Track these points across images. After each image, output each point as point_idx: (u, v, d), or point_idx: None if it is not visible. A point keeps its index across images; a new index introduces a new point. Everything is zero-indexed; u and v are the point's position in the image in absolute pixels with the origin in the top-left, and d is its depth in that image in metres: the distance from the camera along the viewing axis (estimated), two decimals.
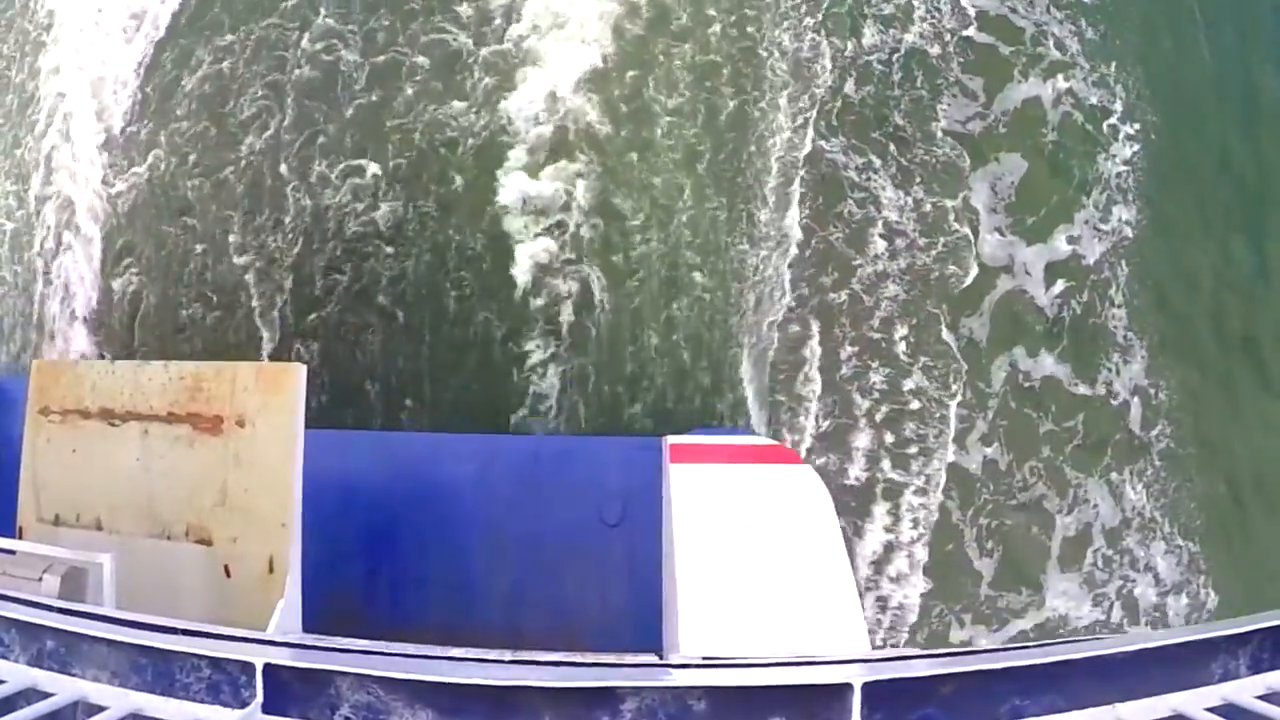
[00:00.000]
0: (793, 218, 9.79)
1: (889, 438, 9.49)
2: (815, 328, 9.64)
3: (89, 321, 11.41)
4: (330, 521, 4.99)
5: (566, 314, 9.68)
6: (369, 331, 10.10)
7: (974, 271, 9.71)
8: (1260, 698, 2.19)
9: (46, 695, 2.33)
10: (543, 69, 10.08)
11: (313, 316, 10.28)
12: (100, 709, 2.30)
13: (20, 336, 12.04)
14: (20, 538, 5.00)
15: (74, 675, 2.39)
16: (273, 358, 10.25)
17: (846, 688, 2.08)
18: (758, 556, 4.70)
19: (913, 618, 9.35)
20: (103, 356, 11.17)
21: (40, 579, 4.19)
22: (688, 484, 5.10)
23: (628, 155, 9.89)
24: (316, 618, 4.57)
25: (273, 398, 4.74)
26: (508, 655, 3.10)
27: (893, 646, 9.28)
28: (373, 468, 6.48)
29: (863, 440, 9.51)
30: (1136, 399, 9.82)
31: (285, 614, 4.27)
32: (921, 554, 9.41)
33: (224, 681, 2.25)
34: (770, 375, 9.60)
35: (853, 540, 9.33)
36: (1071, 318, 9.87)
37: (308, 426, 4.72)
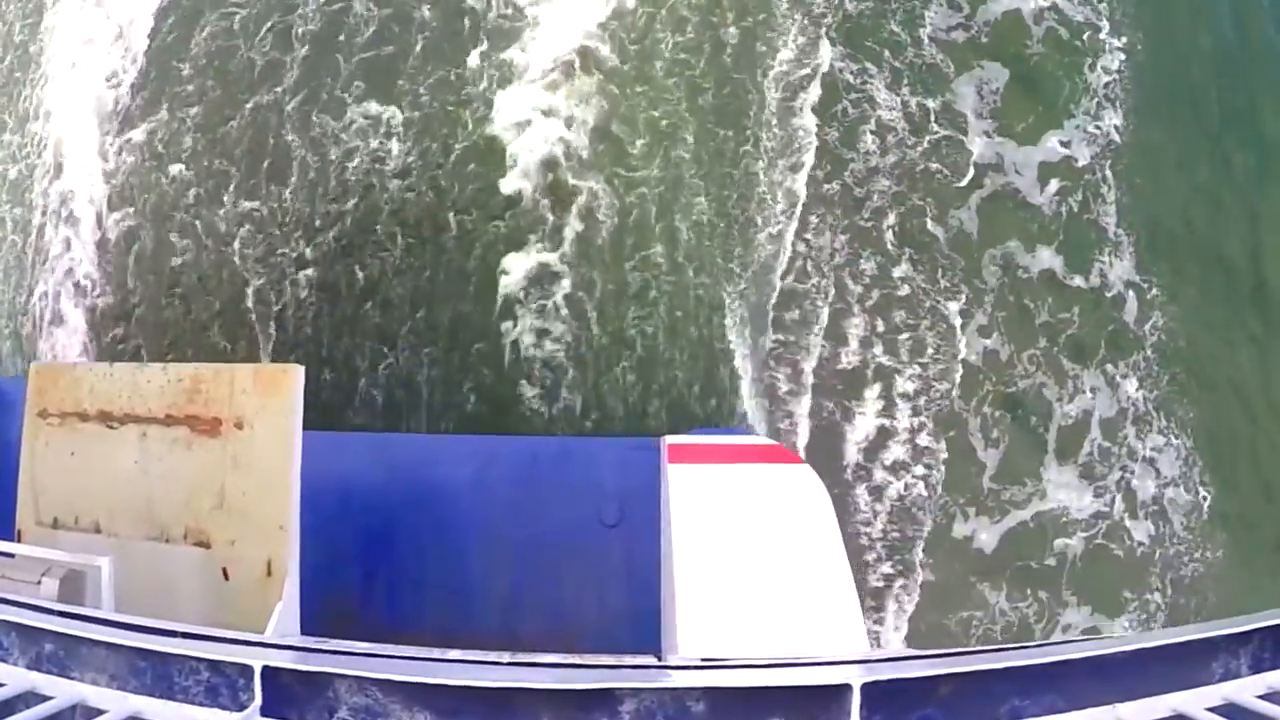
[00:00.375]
0: (800, 127, 10.07)
1: (880, 326, 9.86)
2: (827, 234, 9.97)
3: (88, 253, 11.58)
4: (328, 524, 4.98)
5: (572, 224, 9.88)
6: (369, 256, 10.28)
7: (970, 173, 10.06)
8: (1261, 697, 2.19)
9: (45, 698, 2.32)
10: (554, 19, 10.32)
11: (310, 250, 10.43)
12: (99, 712, 2.30)
13: (15, 278, 12.27)
14: (19, 541, 4.99)
15: (73, 678, 2.39)
16: (277, 307, 10.45)
17: (845, 688, 2.08)
18: (756, 557, 4.70)
19: (922, 517, 9.60)
20: (100, 293, 11.31)
21: (39, 582, 4.18)
22: (686, 484, 5.10)
23: (635, 87, 10.17)
24: (314, 620, 4.56)
25: (271, 400, 4.73)
26: (506, 657, 3.10)
27: (898, 536, 9.50)
28: (370, 469, 6.48)
29: (865, 333, 9.86)
30: (1131, 293, 10.14)
31: (283, 616, 4.26)
32: (924, 441, 9.67)
33: (222, 684, 2.25)
34: (779, 282, 9.89)
35: (841, 425, 9.68)
36: (1067, 214, 10.16)
37: (306, 427, 4.72)
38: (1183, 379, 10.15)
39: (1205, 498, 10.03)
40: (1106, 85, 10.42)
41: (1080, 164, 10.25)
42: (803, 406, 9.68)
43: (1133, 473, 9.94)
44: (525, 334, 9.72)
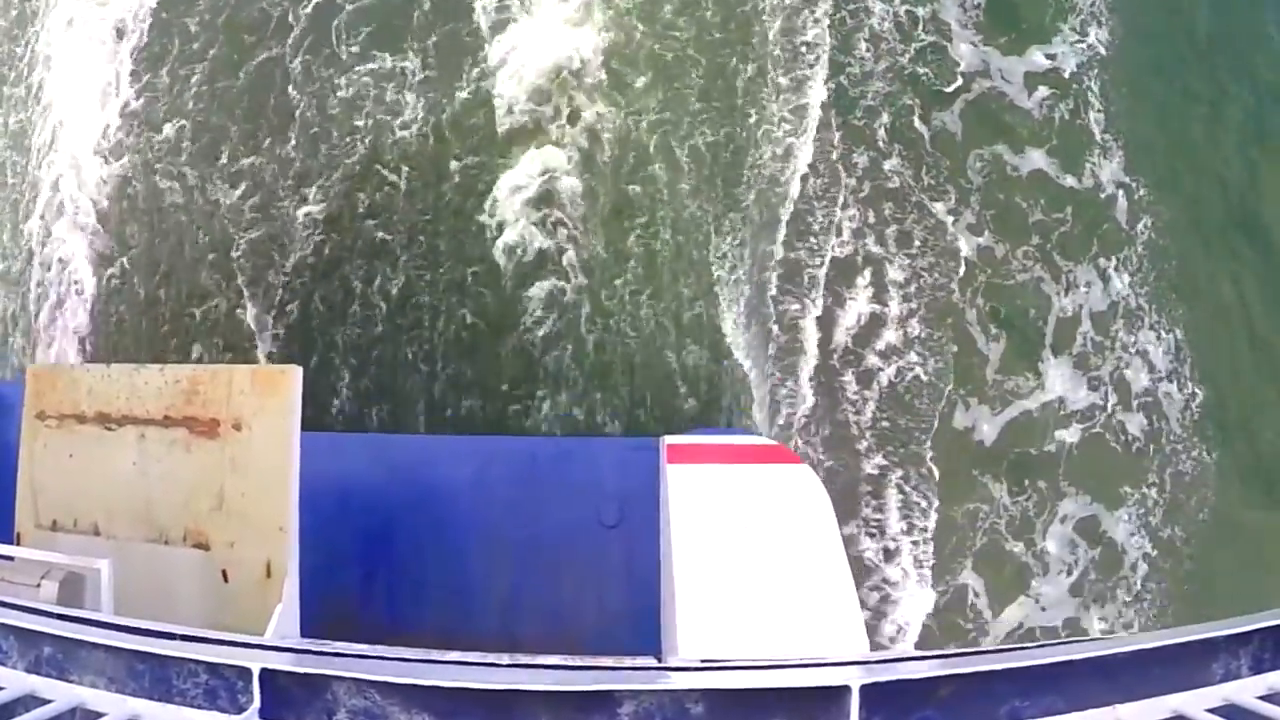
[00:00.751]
0: (804, 42, 10.42)
1: (870, 216, 10.26)
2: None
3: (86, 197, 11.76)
4: (327, 525, 4.98)
5: (576, 139, 10.18)
6: (375, 191, 10.52)
7: (956, 82, 10.49)
8: (1262, 698, 2.18)
9: (44, 702, 2.32)
10: None
11: (314, 189, 10.63)
12: (98, 715, 2.29)
13: (11, 221, 12.50)
14: (18, 544, 4.99)
15: (71, 682, 2.38)
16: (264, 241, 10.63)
17: (844, 690, 2.07)
18: (756, 557, 4.70)
19: (918, 405, 9.87)
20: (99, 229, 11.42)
21: (38, 585, 4.18)
22: (685, 485, 5.10)
23: (644, 25, 10.55)
24: (313, 622, 4.56)
25: (269, 400, 4.73)
26: (505, 659, 3.09)
27: (887, 425, 9.77)
28: (369, 470, 6.47)
29: (859, 224, 10.24)
30: (1121, 193, 10.52)
31: (283, 618, 4.26)
32: (916, 330, 10.02)
33: (221, 687, 2.25)
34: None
35: (833, 311, 10.01)
36: (1059, 119, 10.56)
37: (305, 428, 4.72)
38: (1172, 275, 10.49)
39: (1196, 394, 10.32)
40: (1092, 4, 10.75)
41: (1067, 74, 10.63)
42: (815, 305, 9.93)
43: (1127, 365, 10.25)
44: (525, 236, 9.96)
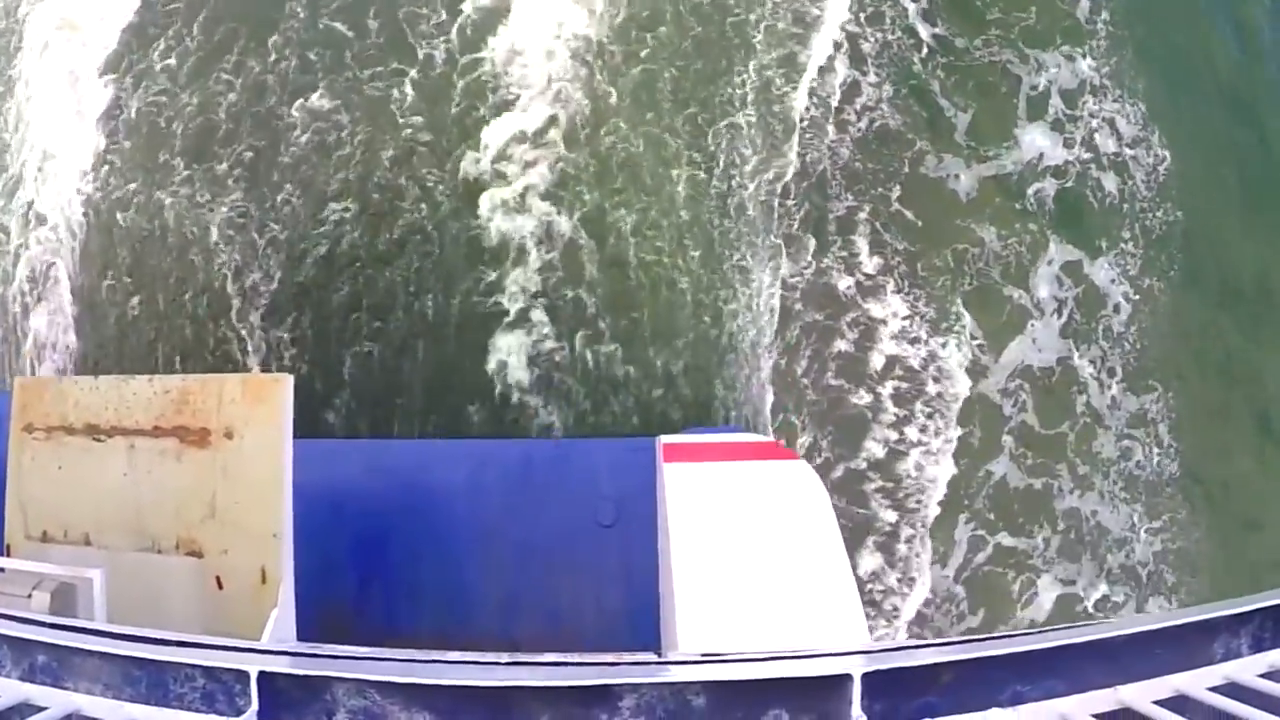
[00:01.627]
0: None
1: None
2: None
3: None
4: (322, 531, 4.96)
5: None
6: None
7: None
8: (1263, 676, 2.19)
9: (40, 709, 2.29)
10: None
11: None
12: None
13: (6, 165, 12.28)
14: (8, 555, 4.95)
15: (67, 689, 2.36)
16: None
17: (846, 678, 2.07)
18: (754, 552, 4.70)
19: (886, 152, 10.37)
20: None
21: (30, 595, 4.14)
22: (683, 483, 5.10)
23: None
24: (310, 628, 4.53)
25: (260, 409, 4.71)
26: (505, 657, 3.08)
27: (859, 166, 10.23)
28: (363, 476, 6.46)
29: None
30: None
31: (279, 623, 4.23)
32: (886, 90, 10.55)
33: (219, 691, 2.22)
34: None
35: (827, 71, 10.49)
36: None
37: (296, 434, 4.70)
38: (1131, 57, 11.03)
39: (1164, 157, 10.89)
40: None
41: None
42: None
43: (1097, 129, 10.81)
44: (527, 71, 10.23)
